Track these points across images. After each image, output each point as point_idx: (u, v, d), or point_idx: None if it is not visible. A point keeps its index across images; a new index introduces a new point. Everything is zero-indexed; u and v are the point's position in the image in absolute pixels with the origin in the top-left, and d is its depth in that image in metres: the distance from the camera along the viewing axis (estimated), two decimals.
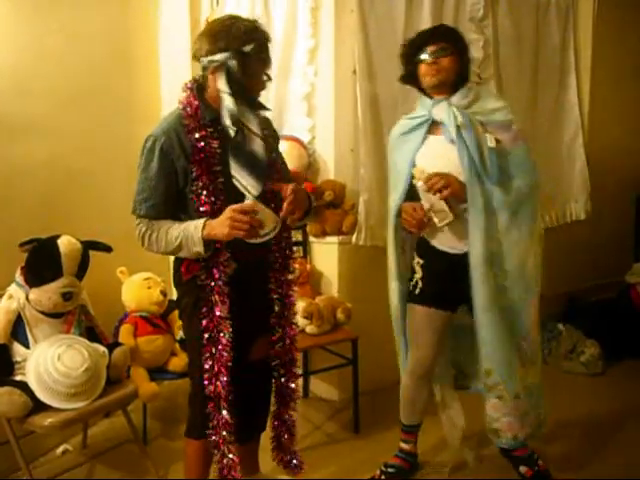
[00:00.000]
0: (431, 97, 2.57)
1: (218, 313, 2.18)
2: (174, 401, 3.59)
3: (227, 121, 2.13)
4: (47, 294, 2.72)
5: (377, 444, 3.09)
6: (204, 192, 2.14)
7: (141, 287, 3.22)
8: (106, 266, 3.11)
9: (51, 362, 2.59)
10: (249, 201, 2.12)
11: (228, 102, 2.11)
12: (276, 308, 2.40)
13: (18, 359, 2.71)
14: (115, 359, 2.82)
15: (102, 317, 3.05)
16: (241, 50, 2.10)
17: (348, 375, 3.32)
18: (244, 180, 2.13)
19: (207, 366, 2.22)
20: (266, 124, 2.36)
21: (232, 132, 2.13)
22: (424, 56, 2.50)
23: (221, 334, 2.19)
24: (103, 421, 3.35)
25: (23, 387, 2.58)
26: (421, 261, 2.68)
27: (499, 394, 2.59)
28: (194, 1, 3.55)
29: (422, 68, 2.52)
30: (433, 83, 2.51)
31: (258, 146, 2.18)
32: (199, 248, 2.12)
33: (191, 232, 2.12)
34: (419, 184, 2.47)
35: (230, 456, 2.26)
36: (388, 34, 3.54)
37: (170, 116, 2.22)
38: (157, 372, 3.16)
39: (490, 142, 2.47)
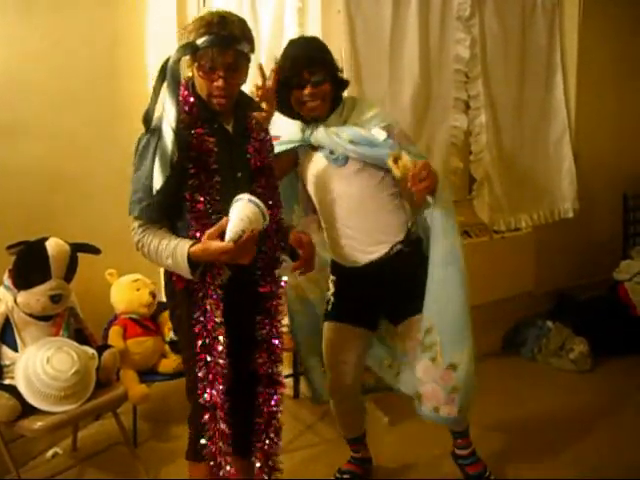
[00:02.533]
0: (305, 120, 2.51)
1: (213, 319, 2.07)
2: (164, 403, 3.58)
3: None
4: (35, 297, 2.71)
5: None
6: (200, 191, 2.05)
7: (130, 289, 3.21)
8: (95, 268, 3.10)
9: (40, 365, 2.58)
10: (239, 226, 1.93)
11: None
12: (263, 326, 2.25)
13: (7, 362, 2.70)
14: (104, 361, 2.82)
15: (91, 319, 3.04)
16: (194, 44, 2.00)
17: None
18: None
19: (201, 374, 2.09)
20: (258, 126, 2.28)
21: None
22: (303, 83, 2.39)
23: (216, 341, 2.08)
24: (93, 424, 3.34)
25: (12, 391, 2.57)
26: (333, 277, 2.67)
27: (433, 356, 2.43)
28: (181, 2, 3.55)
29: (300, 96, 2.42)
30: (315, 114, 2.45)
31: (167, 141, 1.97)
32: (189, 276, 2.02)
33: (178, 261, 2.00)
34: (397, 174, 2.35)
35: (227, 468, 2.15)
36: (375, 34, 3.54)
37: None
38: (147, 374, 3.16)
39: (380, 136, 2.43)
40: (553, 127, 4.50)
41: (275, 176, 2.32)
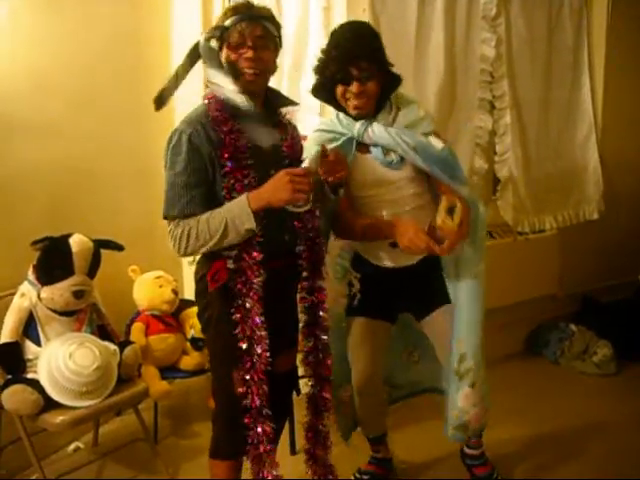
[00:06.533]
0: (350, 115, 2.40)
1: (254, 319, 2.04)
2: (185, 400, 3.60)
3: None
4: (59, 292, 2.73)
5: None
6: (238, 188, 2.03)
7: (153, 285, 3.22)
8: (118, 265, 3.11)
9: (62, 360, 2.59)
10: (306, 165, 2.08)
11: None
12: (306, 317, 2.28)
13: (30, 357, 2.72)
14: (126, 357, 2.83)
15: (113, 315, 3.05)
16: (222, 25, 2.08)
17: None
18: None
19: (247, 377, 2.07)
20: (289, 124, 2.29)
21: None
22: (348, 79, 2.28)
23: (258, 342, 2.05)
24: (114, 419, 3.36)
25: (35, 385, 2.59)
26: (358, 275, 2.61)
27: (471, 381, 2.46)
28: (207, 0, 3.55)
29: (345, 91, 2.32)
30: (360, 112, 2.35)
31: None
32: (250, 224, 1.98)
33: (236, 212, 1.99)
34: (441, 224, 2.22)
35: (274, 473, 2.13)
36: (400, 33, 3.53)
37: (194, 111, 2.13)
38: (168, 371, 3.17)
39: (437, 144, 2.39)
40: (579, 128, 4.46)
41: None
